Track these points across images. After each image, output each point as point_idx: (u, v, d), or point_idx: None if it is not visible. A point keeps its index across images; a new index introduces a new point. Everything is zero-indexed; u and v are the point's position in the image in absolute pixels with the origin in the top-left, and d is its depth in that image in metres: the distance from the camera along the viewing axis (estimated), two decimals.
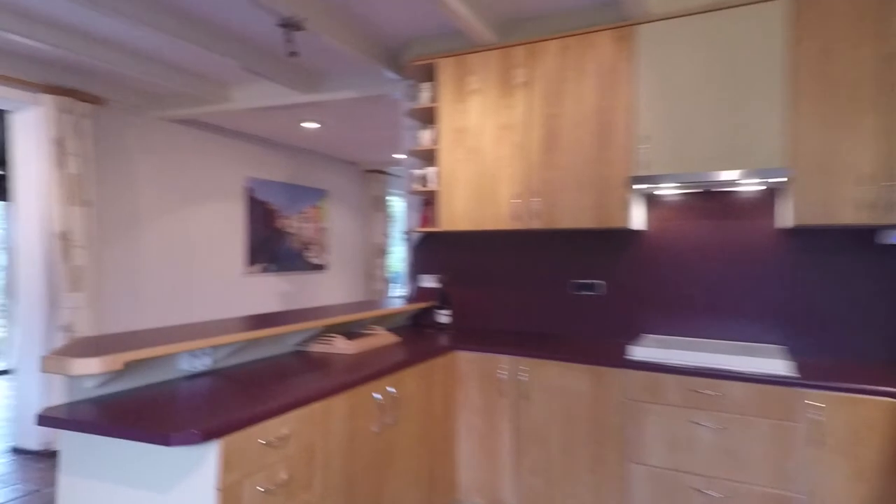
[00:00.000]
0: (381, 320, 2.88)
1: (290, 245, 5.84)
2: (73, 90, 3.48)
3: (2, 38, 2.97)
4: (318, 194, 6.27)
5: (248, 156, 5.26)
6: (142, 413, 1.39)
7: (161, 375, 1.76)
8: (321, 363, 2.11)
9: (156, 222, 4.28)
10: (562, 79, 2.62)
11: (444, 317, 3.00)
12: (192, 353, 1.85)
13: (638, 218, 2.62)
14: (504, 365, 2.49)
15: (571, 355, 2.35)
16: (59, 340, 3.41)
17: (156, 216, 4.28)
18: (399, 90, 3.37)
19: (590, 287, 2.84)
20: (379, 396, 2.00)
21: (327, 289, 6.38)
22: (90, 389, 1.53)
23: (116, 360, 1.44)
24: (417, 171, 3.03)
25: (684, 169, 2.38)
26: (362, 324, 2.71)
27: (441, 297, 3.03)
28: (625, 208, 2.48)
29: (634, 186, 2.38)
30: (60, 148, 3.42)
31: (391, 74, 3.27)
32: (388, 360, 2.14)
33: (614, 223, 2.50)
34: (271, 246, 5.57)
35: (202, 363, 1.90)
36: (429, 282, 3.18)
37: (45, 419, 1.36)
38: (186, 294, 4.54)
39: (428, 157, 3.03)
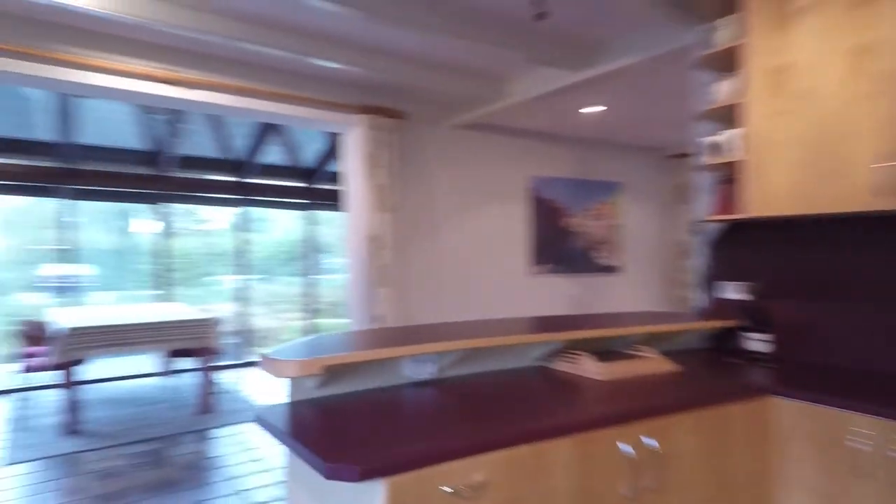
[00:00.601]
0: (654, 339, 2.25)
1: (577, 245, 5.51)
2: (380, 108, 3.99)
3: (330, 68, 3.58)
4: (609, 188, 5.75)
5: (531, 154, 5.20)
6: (329, 428, 1.30)
7: (385, 380, 1.69)
8: (558, 387, 1.71)
9: (451, 224, 4.60)
10: None
11: (757, 342, 2.15)
12: (416, 360, 1.72)
13: None
14: (863, 428, 1.56)
15: None
16: (372, 327, 3.96)
17: (451, 218, 4.60)
18: (690, 38, 2.63)
19: None
20: (629, 450, 1.47)
21: (620, 294, 5.79)
22: (310, 390, 1.53)
23: (313, 365, 1.39)
24: (711, 139, 2.26)
25: None
26: (628, 341, 2.16)
27: (753, 315, 2.18)
28: None
29: None
30: (371, 161, 3.96)
31: (678, 20, 2.58)
32: (651, 397, 1.58)
33: None
34: (557, 246, 5.36)
35: (427, 371, 1.76)
36: (733, 291, 2.35)
37: (258, 419, 1.40)
38: (479, 291, 4.75)
39: (727, 116, 2.23)
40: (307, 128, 4.64)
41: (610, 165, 5.78)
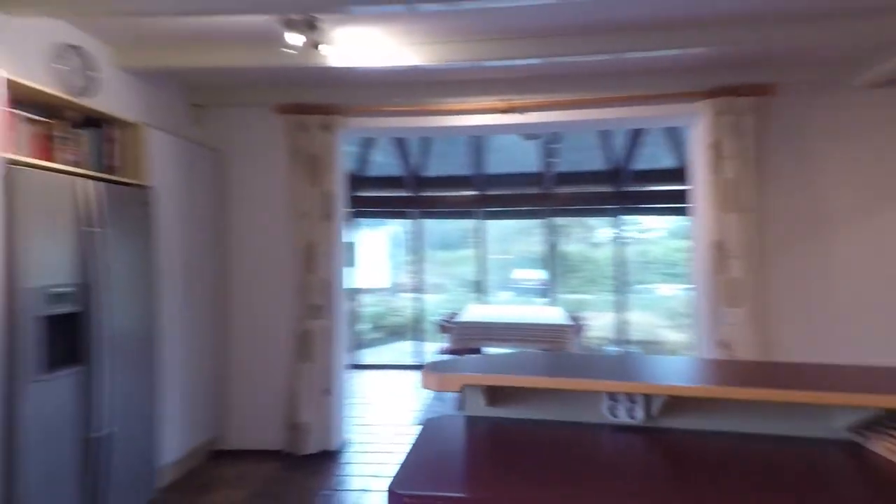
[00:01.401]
0: None
1: None
2: (729, 88, 3.39)
3: (665, 57, 3.30)
4: None
5: None
6: (451, 454, 1.30)
7: (578, 415, 1.52)
8: (842, 479, 1.12)
9: (844, 227, 3.40)
10: None
11: None
12: (614, 398, 1.47)
13: None
14: None
15: None
16: (718, 356, 3.37)
17: (844, 219, 3.40)
18: None
19: None
20: None
21: None
22: (481, 407, 1.55)
23: (451, 382, 1.41)
24: None
25: None
26: None
27: None
28: None
29: None
30: (716, 153, 3.41)
31: None
32: None
33: None
34: None
35: (630, 414, 1.46)
36: None
37: (422, 422, 1.52)
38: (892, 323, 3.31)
39: None
40: (650, 126, 4.33)
41: None
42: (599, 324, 7.33)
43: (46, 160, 2.43)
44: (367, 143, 6.81)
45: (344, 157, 4.00)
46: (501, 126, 3.90)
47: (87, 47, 2.92)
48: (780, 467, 1.22)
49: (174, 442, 3.23)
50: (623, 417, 1.47)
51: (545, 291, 7.61)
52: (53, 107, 2.59)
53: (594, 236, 8.38)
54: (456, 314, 5.59)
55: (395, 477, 1.14)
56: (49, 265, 2.27)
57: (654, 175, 6.59)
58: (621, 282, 6.83)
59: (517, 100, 3.72)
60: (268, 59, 3.13)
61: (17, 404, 2.09)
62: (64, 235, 2.36)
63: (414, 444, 1.32)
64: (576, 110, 3.74)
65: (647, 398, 1.44)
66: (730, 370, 1.54)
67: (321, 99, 3.77)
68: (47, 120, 2.54)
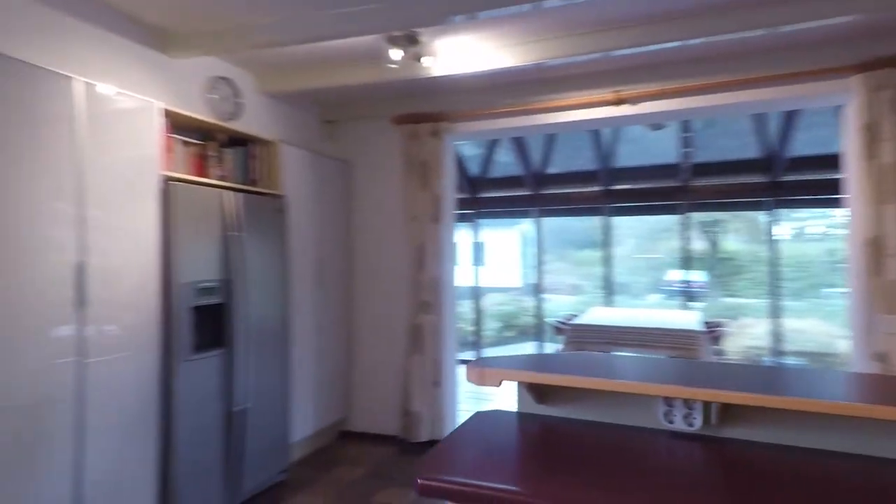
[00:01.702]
0: None
1: None
2: (887, 58, 2.89)
3: (807, 28, 2.92)
4: None
5: None
6: (489, 449, 1.35)
7: (632, 419, 1.47)
8: None
9: None
10: None
11: None
12: (670, 403, 1.40)
13: None
14: None
15: None
16: (872, 369, 2.90)
17: None
18: None
19: None
20: None
21: None
22: (532, 405, 1.57)
23: (491, 377, 1.44)
24: None
25: None
26: None
27: None
28: None
29: None
30: (870, 135, 2.94)
31: None
32: None
33: None
34: None
35: (688, 421, 1.38)
36: None
37: (475, 414, 1.58)
38: None
39: None
40: (793, 108, 3.79)
41: None
42: (758, 331, 6.58)
43: (199, 176, 2.94)
44: (491, 146, 6.93)
45: (453, 161, 4.17)
46: (614, 119, 3.76)
47: (234, 77, 3.45)
48: (860, 490, 1.08)
49: (305, 421, 3.66)
50: (679, 424, 1.38)
51: (695, 294, 7.02)
52: (206, 130, 3.12)
53: (762, 233, 7.54)
54: (574, 316, 5.48)
55: (420, 461, 1.23)
56: (199, 264, 2.74)
57: (815, 162, 5.78)
58: (778, 284, 6.07)
59: (628, 90, 3.55)
60: (381, 75, 3.40)
61: (173, 378, 2.58)
62: (211, 239, 2.83)
63: (451, 434, 1.40)
64: (699, 96, 3.47)
65: (707, 405, 1.34)
66: (835, 381, 1.36)
67: (431, 108, 3.98)
68: (201, 142, 3.06)
